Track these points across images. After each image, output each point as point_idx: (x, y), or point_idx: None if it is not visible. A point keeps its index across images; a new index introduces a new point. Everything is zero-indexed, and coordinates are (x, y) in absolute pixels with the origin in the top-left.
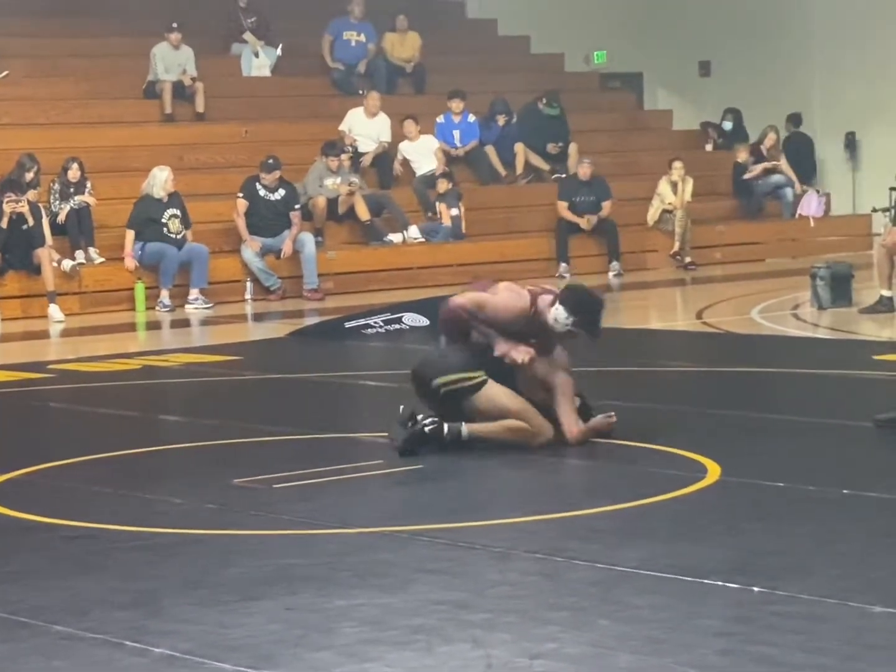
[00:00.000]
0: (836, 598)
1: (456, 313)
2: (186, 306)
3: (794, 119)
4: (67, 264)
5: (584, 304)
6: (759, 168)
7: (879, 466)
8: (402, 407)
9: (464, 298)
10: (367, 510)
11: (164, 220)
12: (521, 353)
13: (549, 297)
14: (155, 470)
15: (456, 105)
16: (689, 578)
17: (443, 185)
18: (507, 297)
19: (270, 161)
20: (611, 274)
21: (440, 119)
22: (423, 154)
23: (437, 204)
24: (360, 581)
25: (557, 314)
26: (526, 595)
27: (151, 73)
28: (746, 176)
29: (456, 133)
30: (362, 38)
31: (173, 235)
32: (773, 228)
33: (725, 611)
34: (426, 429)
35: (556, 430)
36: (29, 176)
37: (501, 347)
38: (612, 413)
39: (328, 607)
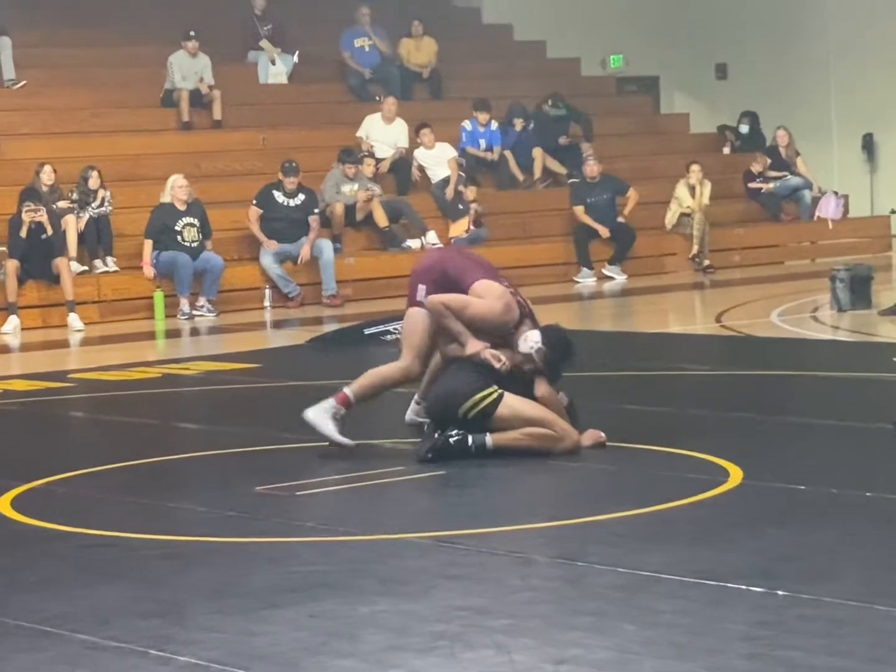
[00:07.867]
0: (861, 602)
1: (436, 309)
2: (193, 312)
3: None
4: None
5: (561, 343)
6: (767, 180)
7: None
8: (426, 424)
9: (447, 297)
10: (389, 517)
11: (178, 229)
12: (495, 359)
13: (531, 323)
14: (176, 478)
15: (482, 117)
16: (712, 582)
17: (471, 193)
18: (492, 305)
19: (289, 165)
20: (605, 271)
21: (467, 126)
22: (438, 162)
23: (473, 209)
24: (383, 588)
25: (531, 335)
26: (549, 600)
27: (168, 81)
28: (752, 185)
29: (482, 142)
30: (374, 41)
31: (188, 244)
32: (792, 231)
33: (749, 615)
34: (451, 440)
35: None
36: (45, 179)
37: (474, 346)
38: (603, 434)
39: (352, 614)
